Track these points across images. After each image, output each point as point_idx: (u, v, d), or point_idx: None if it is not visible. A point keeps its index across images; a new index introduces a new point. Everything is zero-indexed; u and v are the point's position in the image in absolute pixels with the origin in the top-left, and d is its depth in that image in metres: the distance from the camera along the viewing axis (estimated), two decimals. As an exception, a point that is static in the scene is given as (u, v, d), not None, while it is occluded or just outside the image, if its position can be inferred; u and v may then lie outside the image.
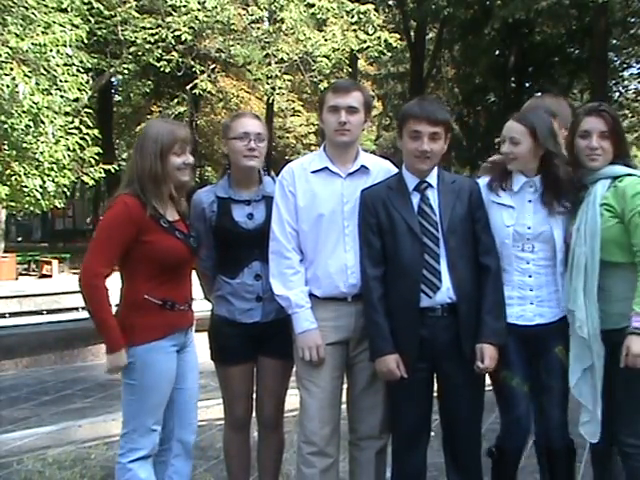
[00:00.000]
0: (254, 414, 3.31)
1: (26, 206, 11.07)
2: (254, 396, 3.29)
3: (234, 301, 3.16)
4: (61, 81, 10.13)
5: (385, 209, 2.92)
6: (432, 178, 2.96)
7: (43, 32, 9.98)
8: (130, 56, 14.23)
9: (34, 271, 15.93)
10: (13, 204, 11.20)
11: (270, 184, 3.25)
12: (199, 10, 13.08)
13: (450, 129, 2.97)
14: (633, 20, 22.99)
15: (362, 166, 3.10)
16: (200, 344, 3.21)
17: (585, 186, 2.96)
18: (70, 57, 10.31)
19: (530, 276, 2.99)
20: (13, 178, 10.35)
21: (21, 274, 15.03)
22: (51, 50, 9.80)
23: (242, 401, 3.26)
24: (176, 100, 17.38)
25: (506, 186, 3.03)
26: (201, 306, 3.35)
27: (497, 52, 26.03)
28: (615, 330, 2.81)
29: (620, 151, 2.94)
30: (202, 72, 15.42)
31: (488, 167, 3.28)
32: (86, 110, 11.48)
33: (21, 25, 10.05)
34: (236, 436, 3.31)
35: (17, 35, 9.82)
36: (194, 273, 3.17)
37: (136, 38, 13.58)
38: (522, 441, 3.01)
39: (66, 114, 10.45)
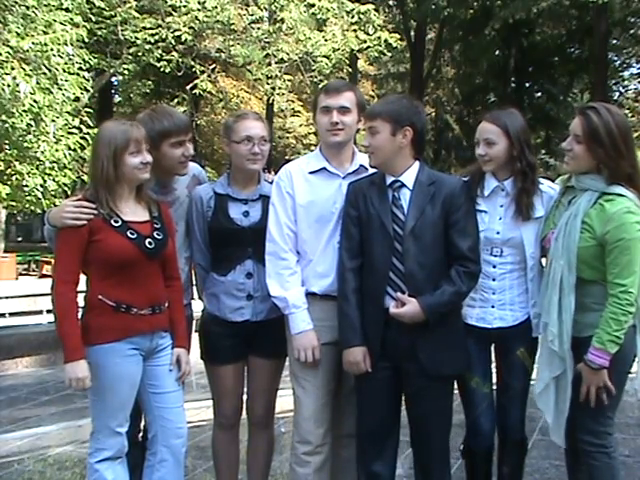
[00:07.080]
0: (244, 414, 3.31)
1: (27, 205, 11.08)
2: (244, 397, 3.28)
3: (224, 299, 3.15)
4: (62, 80, 10.13)
5: (364, 203, 2.86)
6: (408, 177, 2.85)
7: (44, 31, 9.98)
8: (130, 56, 14.25)
9: (34, 271, 15.97)
10: (14, 204, 11.21)
11: (267, 184, 3.24)
12: (199, 10, 13.09)
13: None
14: (633, 20, 23.07)
15: (361, 166, 3.08)
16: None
17: (572, 187, 2.88)
18: (71, 56, 10.32)
19: (494, 279, 2.96)
20: (14, 178, 10.37)
21: (21, 274, 15.07)
22: (52, 49, 9.80)
23: (231, 400, 3.25)
24: (176, 100, 17.32)
25: (480, 191, 2.99)
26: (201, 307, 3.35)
27: (497, 52, 26.08)
28: (574, 337, 2.79)
29: (604, 161, 2.73)
30: (202, 72, 15.42)
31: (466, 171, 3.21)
32: (86, 110, 11.50)
33: (22, 24, 10.05)
34: (224, 435, 3.30)
35: (18, 34, 9.81)
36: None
37: (136, 38, 13.59)
38: (486, 441, 3.02)
39: (67, 113, 10.46)
